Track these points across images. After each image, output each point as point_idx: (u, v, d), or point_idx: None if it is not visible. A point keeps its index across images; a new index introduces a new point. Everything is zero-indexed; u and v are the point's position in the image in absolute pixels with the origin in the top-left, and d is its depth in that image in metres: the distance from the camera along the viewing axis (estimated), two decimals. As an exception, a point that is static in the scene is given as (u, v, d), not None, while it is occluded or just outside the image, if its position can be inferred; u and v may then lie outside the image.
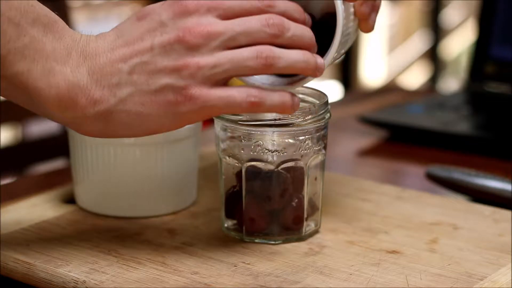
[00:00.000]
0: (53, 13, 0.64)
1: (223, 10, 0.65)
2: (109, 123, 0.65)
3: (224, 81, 0.65)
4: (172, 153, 0.77)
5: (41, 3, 0.65)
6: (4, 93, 0.65)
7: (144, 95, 0.64)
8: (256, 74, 0.66)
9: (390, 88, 1.62)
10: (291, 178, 0.71)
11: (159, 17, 0.65)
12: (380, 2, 0.72)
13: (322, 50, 0.69)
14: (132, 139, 0.76)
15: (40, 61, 0.63)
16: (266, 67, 0.65)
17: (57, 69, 0.63)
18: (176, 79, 0.64)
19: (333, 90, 2.91)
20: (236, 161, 0.71)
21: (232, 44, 0.64)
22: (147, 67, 0.64)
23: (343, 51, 0.73)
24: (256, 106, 0.65)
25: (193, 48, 0.64)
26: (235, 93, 0.65)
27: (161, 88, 0.64)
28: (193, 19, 0.64)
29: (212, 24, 0.64)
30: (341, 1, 0.68)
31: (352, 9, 0.70)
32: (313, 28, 0.68)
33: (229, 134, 0.71)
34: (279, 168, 0.71)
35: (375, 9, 0.72)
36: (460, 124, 1.08)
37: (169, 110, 0.64)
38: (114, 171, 0.77)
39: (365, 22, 0.71)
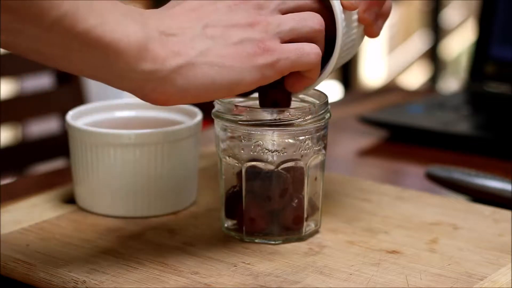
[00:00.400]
0: None
1: None
2: (190, 78, 0.64)
3: (288, 41, 0.67)
4: (172, 153, 0.77)
5: None
6: (70, 60, 0.62)
7: (224, 47, 0.65)
8: (312, 35, 0.68)
9: (390, 88, 1.62)
10: (291, 178, 0.71)
11: None
12: (389, 9, 0.72)
13: (327, 56, 0.69)
14: (132, 139, 0.76)
15: (110, 15, 0.61)
16: (321, 29, 0.68)
17: (129, 22, 0.62)
18: (251, 33, 0.66)
19: (333, 90, 2.91)
20: (236, 161, 0.71)
21: (285, 8, 0.68)
22: (221, 23, 0.66)
23: (348, 56, 0.73)
24: (320, 57, 0.68)
25: (257, 7, 0.67)
26: (303, 45, 0.67)
27: (240, 41, 0.65)
28: None
29: None
30: (341, 10, 0.68)
31: (355, 16, 0.70)
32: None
33: (229, 134, 0.71)
34: (279, 168, 0.71)
35: (382, 16, 0.72)
36: (460, 124, 1.08)
37: (249, 62, 0.65)
38: (114, 171, 0.77)
39: (370, 28, 0.72)
